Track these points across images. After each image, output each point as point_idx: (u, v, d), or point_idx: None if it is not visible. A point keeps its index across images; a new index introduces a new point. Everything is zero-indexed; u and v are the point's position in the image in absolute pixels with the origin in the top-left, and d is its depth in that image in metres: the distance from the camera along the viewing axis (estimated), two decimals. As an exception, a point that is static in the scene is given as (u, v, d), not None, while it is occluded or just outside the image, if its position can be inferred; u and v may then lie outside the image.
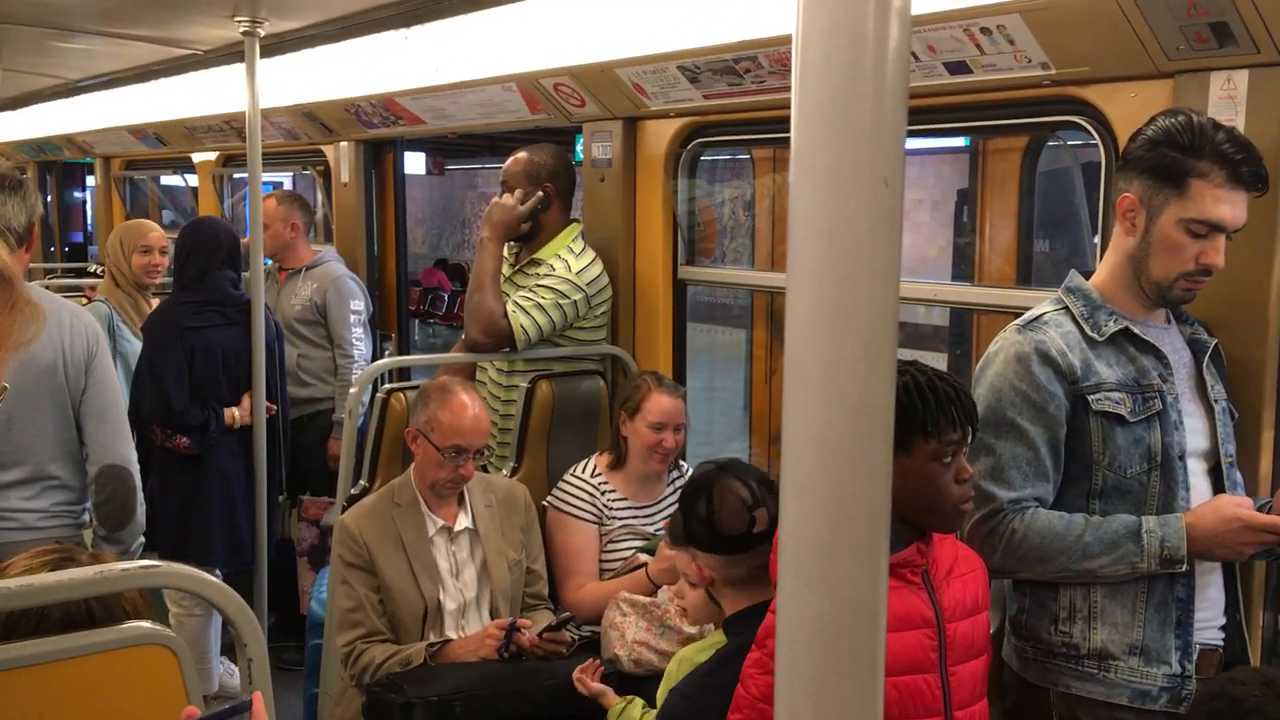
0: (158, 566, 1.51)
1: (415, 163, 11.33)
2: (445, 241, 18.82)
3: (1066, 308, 2.28)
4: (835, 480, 0.54)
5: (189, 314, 4.07)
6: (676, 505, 3.36)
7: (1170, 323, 2.33)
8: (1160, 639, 2.21)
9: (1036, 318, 2.28)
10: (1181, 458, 2.21)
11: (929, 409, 1.89)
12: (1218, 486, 2.26)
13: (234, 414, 4.11)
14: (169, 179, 8.73)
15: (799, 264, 0.54)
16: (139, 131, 7.03)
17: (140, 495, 3.18)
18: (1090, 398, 2.18)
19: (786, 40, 2.90)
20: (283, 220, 4.98)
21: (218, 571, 4.12)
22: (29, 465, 3.00)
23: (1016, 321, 2.32)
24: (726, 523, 2.21)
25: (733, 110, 3.41)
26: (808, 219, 0.54)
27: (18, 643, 1.41)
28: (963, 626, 1.99)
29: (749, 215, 5.44)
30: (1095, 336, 2.22)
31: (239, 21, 3.74)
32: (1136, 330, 2.23)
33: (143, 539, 3.29)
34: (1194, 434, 2.24)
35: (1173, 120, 2.14)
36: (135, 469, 3.16)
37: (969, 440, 1.98)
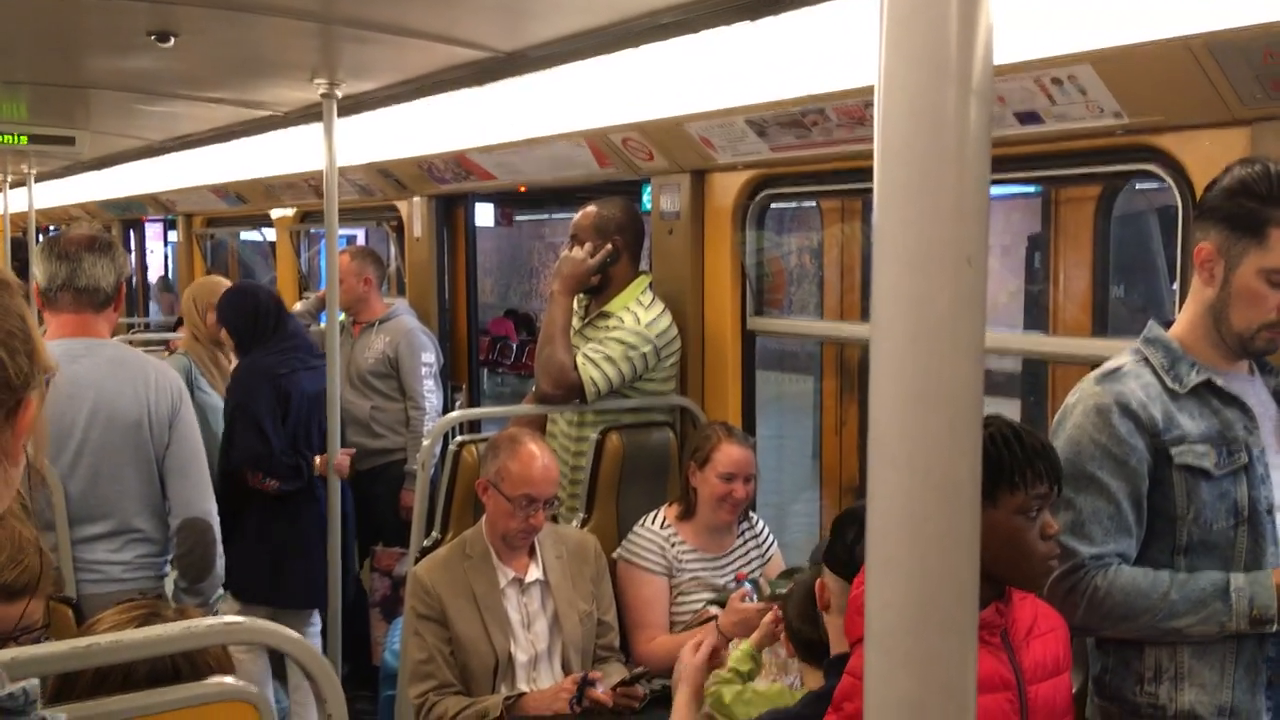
0: (241, 623, 1.54)
1: (484, 214, 11.51)
2: (513, 291, 19.02)
3: (1146, 359, 2.24)
4: (922, 558, 0.54)
5: (278, 362, 4.20)
6: (750, 553, 3.35)
7: (1254, 374, 2.27)
8: (1250, 701, 2.14)
9: (1115, 369, 2.24)
10: (1270, 512, 2.15)
11: (1016, 460, 1.87)
12: (1308, 542, 2.19)
13: (322, 464, 4.20)
14: (247, 234, 8.98)
15: (883, 342, 0.55)
16: (221, 190, 7.24)
17: (220, 548, 3.24)
18: (1173, 451, 2.14)
19: (853, 94, 2.92)
20: (355, 275, 5.08)
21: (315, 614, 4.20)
22: (114, 519, 3.08)
23: (1095, 373, 2.28)
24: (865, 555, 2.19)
25: (800, 163, 3.42)
26: (891, 298, 0.54)
27: (106, 698, 1.45)
28: (1044, 688, 1.94)
29: (815, 263, 5.43)
30: (1177, 388, 2.18)
31: (317, 84, 3.85)
32: (1219, 382, 2.18)
33: (222, 590, 3.35)
34: (1282, 488, 2.18)
35: (1250, 169, 2.11)
36: (216, 522, 3.23)
37: (1055, 496, 1.95)
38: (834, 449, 4.87)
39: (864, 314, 4.71)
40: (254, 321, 4.28)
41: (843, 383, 4.92)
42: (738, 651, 2.72)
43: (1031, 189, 5.31)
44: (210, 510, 3.20)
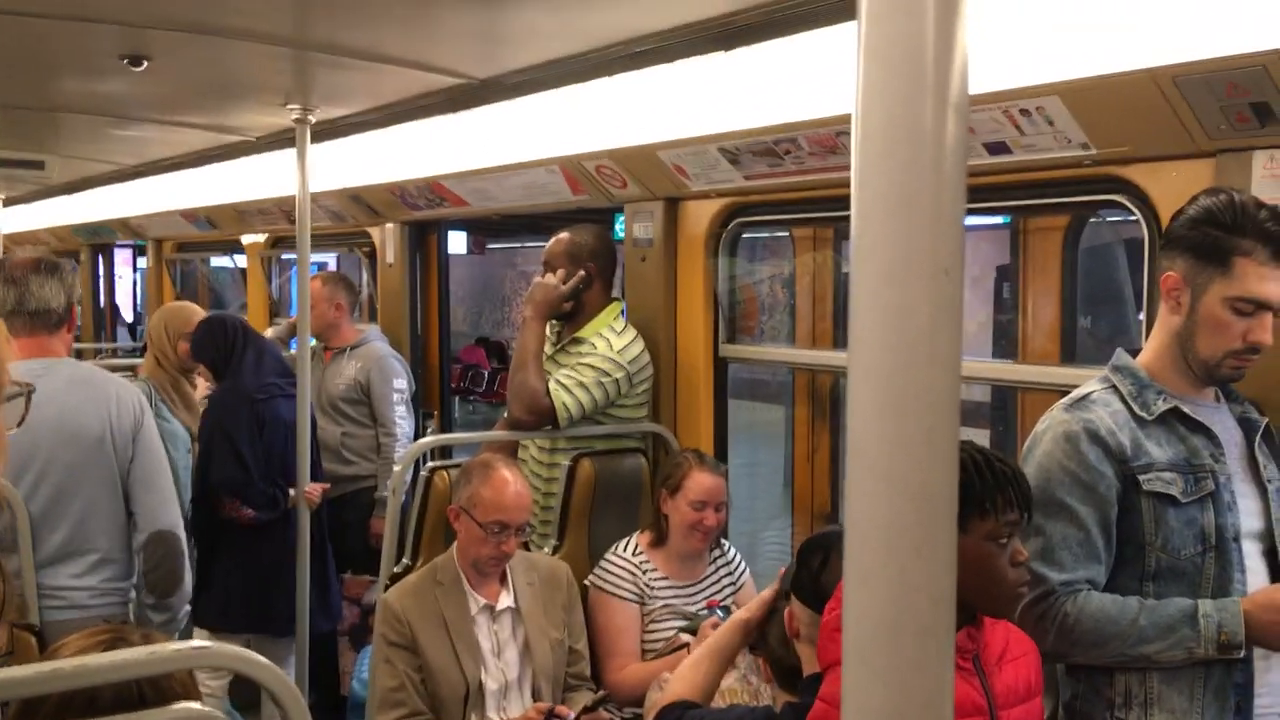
0: (208, 647, 1.52)
1: (456, 242, 11.46)
2: (485, 319, 18.98)
3: (1114, 386, 2.26)
4: (899, 567, 0.54)
5: (256, 386, 4.18)
6: (719, 582, 3.35)
7: (1220, 401, 2.30)
8: (1219, 726, 2.15)
9: (1084, 396, 2.26)
10: (1236, 539, 2.17)
11: (987, 487, 1.87)
12: (1274, 568, 2.21)
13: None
14: (218, 260, 8.92)
15: (861, 352, 0.55)
16: (191, 215, 7.20)
17: (187, 561, 3.21)
18: (1141, 478, 2.16)
19: (826, 123, 2.95)
20: (327, 300, 5.06)
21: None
22: (79, 540, 3.04)
23: (1063, 401, 2.30)
24: (830, 582, 2.19)
25: (773, 191, 3.45)
26: (869, 308, 0.55)
27: (70, 723, 1.42)
28: (1015, 714, 1.95)
29: (787, 292, 5.46)
30: (1144, 416, 2.20)
31: (291, 109, 3.85)
32: (1186, 409, 2.21)
33: (189, 607, 3.31)
34: (1248, 515, 2.20)
35: (1214, 199, 2.14)
36: (182, 534, 3.21)
37: (1025, 523, 1.96)
38: (805, 476, 4.87)
39: (835, 342, 4.73)
40: (227, 349, 4.26)
41: (814, 410, 4.93)
42: None
43: (999, 220, 5.37)
44: (177, 523, 3.19)
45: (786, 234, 5.03)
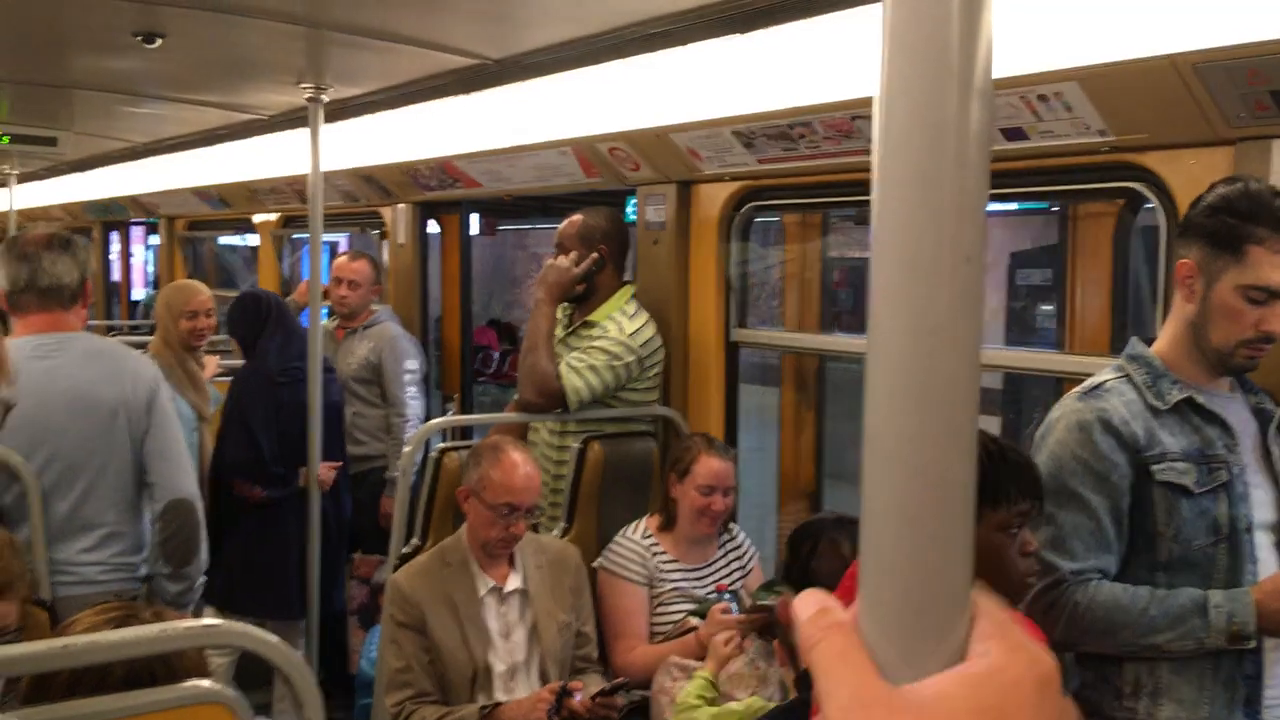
0: (219, 625, 1.53)
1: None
2: (496, 301, 18.97)
3: (1128, 375, 2.25)
4: (916, 558, 0.54)
5: (279, 369, 4.19)
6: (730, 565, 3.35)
7: (1235, 391, 2.29)
8: (1228, 716, 2.15)
9: (1098, 385, 2.25)
10: (1249, 530, 2.16)
11: (1000, 477, 1.87)
12: (1286, 560, 2.21)
13: (307, 474, 4.18)
14: (231, 239, 8.92)
15: (879, 341, 0.54)
16: (204, 193, 7.21)
17: (204, 531, 3.22)
18: (1154, 468, 2.15)
19: (841, 106, 2.93)
20: (371, 281, 5.10)
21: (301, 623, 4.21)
22: (86, 511, 3.05)
23: (1077, 389, 2.29)
24: (820, 569, 2.20)
25: (786, 175, 3.43)
26: (888, 296, 0.54)
27: (81, 700, 1.43)
28: (1024, 702, 1.94)
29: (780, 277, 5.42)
30: (1158, 405, 2.19)
31: (304, 88, 3.84)
32: (1201, 399, 2.19)
33: (204, 578, 3.33)
34: (1261, 505, 2.20)
35: (1231, 187, 2.13)
36: (199, 503, 3.22)
37: (1036, 513, 1.95)
38: (792, 460, 4.84)
39: (822, 326, 4.70)
40: (258, 327, 4.29)
41: (799, 393, 4.90)
42: (698, 680, 2.72)
43: (1014, 205, 5.34)
44: (194, 492, 3.20)
45: (776, 219, 4.99)
